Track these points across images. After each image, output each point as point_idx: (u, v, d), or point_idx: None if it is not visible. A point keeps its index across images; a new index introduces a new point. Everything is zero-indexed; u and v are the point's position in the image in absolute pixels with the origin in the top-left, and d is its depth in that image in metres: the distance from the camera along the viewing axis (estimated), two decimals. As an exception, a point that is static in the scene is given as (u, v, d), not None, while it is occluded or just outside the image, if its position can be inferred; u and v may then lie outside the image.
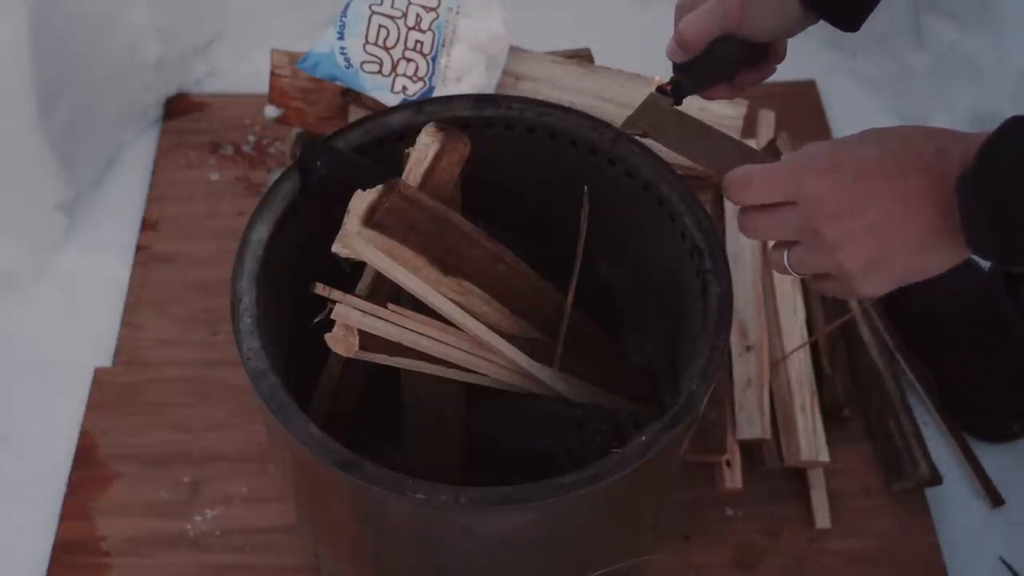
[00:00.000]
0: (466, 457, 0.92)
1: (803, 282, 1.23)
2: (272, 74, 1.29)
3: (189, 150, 1.46)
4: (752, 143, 1.33)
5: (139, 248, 1.36)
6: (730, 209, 1.27)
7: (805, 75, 1.57)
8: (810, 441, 1.13)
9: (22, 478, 1.16)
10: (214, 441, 1.19)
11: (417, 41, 1.13)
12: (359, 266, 0.86)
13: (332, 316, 0.79)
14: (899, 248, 0.62)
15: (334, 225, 0.80)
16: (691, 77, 0.80)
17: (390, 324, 0.81)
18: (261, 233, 0.85)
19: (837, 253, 0.63)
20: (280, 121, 1.44)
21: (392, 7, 1.13)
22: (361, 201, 0.80)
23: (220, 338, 1.27)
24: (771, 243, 0.70)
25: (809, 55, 1.56)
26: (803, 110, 1.53)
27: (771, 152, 1.35)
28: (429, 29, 1.13)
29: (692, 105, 1.13)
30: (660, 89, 0.80)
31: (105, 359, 1.26)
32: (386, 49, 1.13)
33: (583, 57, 1.30)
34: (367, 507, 0.79)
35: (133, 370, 1.25)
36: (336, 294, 0.79)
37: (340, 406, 0.93)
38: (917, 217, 0.60)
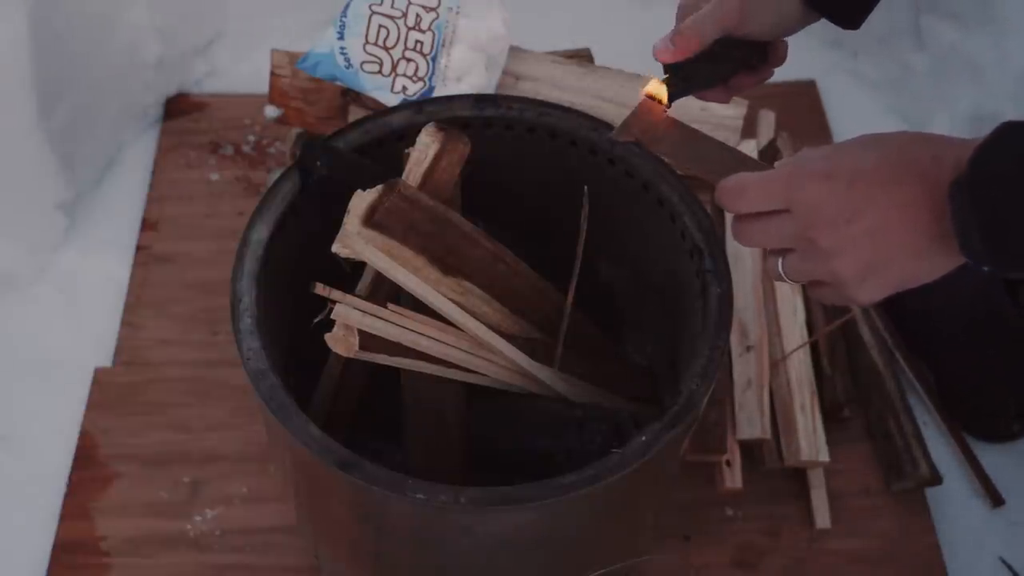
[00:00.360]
0: (466, 457, 0.92)
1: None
2: (272, 74, 1.29)
3: (189, 150, 1.46)
4: (752, 143, 1.33)
5: (139, 248, 1.36)
6: (730, 209, 1.27)
7: (805, 75, 1.57)
8: (810, 441, 1.13)
9: (22, 478, 1.16)
10: (214, 441, 1.19)
11: (417, 41, 1.13)
12: (359, 266, 0.86)
13: (332, 316, 0.79)
14: (895, 254, 0.61)
15: (334, 225, 0.80)
16: (685, 79, 0.79)
17: (390, 324, 0.81)
18: (261, 233, 0.85)
19: (832, 260, 0.63)
20: (280, 121, 1.44)
21: (392, 7, 1.13)
22: (361, 201, 0.80)
23: (220, 338, 1.27)
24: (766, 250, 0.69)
25: (809, 55, 1.56)
26: (803, 110, 1.53)
27: (771, 151, 1.35)
28: (429, 29, 1.13)
29: (692, 105, 1.14)
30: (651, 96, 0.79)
31: (105, 359, 1.26)
32: (386, 49, 1.13)
33: (583, 57, 1.30)
34: (367, 507, 0.79)
35: (133, 370, 1.25)
36: (336, 294, 0.79)
37: (340, 406, 0.92)
38: (912, 223, 0.60)
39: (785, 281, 0.68)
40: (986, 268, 0.58)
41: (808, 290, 0.68)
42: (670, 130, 0.73)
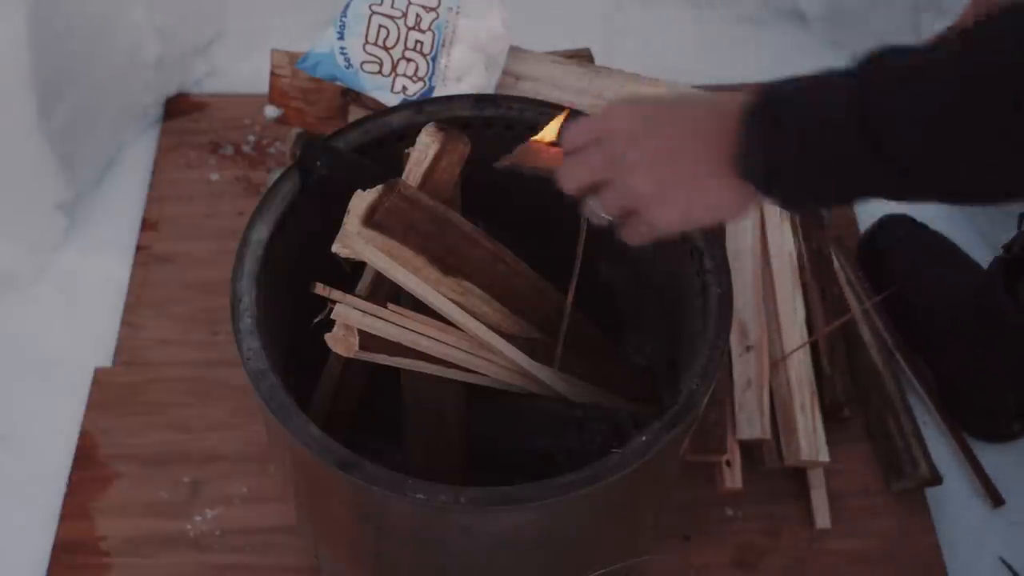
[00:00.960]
0: (466, 457, 0.92)
1: (802, 283, 1.23)
2: (272, 74, 1.29)
3: (189, 150, 1.46)
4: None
5: (139, 248, 1.36)
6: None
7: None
8: (810, 441, 1.13)
9: (22, 478, 1.16)
10: (214, 441, 1.19)
11: (417, 41, 1.13)
12: (359, 266, 0.86)
13: (332, 316, 0.79)
14: (688, 173, 0.66)
15: (334, 225, 0.80)
16: None
17: (390, 324, 0.81)
18: (261, 233, 0.86)
19: (634, 175, 0.67)
20: (280, 121, 1.44)
21: (392, 7, 1.13)
22: (361, 201, 0.80)
23: (220, 338, 1.27)
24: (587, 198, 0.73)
25: (809, 55, 1.56)
26: (803, 110, 1.52)
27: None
28: (429, 29, 1.13)
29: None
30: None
31: (105, 359, 1.26)
32: (386, 49, 1.13)
33: (583, 57, 1.30)
34: (367, 507, 0.79)
35: (133, 370, 1.25)
36: (336, 294, 0.79)
37: (340, 406, 0.93)
38: (705, 147, 0.65)
39: (602, 218, 0.72)
40: (769, 197, 0.64)
41: (620, 233, 0.72)
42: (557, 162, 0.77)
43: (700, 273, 0.86)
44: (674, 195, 0.67)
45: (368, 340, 0.79)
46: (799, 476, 1.17)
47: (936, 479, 1.15)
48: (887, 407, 1.20)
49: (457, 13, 1.13)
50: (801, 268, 1.24)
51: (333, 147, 0.90)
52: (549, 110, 0.95)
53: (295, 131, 1.21)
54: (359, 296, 0.81)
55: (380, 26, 1.13)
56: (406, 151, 0.89)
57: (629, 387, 0.99)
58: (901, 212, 1.35)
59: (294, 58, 1.27)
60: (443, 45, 1.13)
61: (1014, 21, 0.55)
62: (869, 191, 0.62)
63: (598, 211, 0.72)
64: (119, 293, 1.31)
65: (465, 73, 1.14)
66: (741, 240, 1.24)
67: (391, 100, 1.14)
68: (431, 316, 0.83)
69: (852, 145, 0.58)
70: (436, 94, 1.13)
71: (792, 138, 0.61)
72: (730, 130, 0.63)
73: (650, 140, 0.67)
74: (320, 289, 0.79)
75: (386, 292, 0.87)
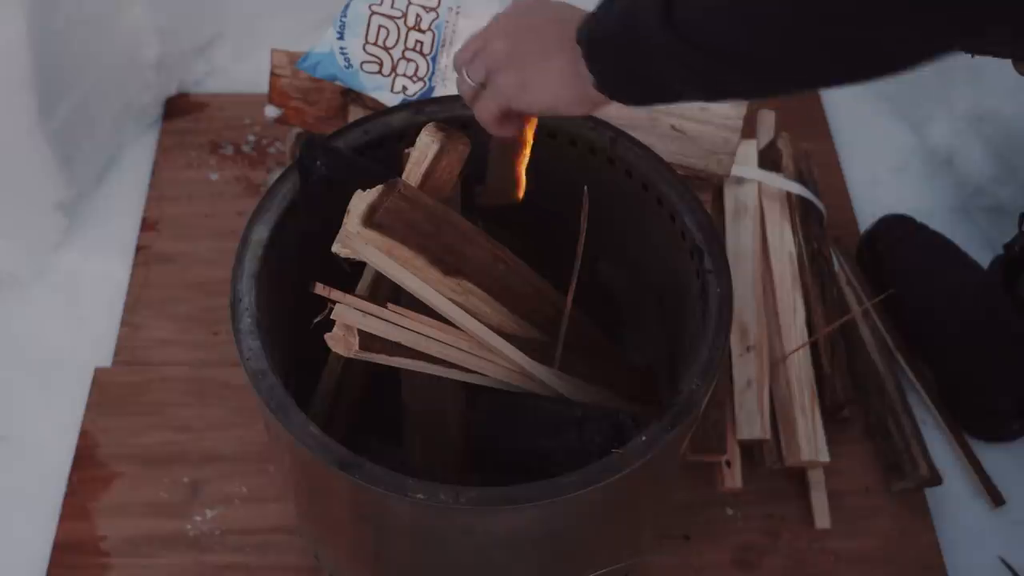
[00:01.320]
0: (466, 457, 0.92)
1: (802, 283, 1.23)
2: (272, 74, 1.29)
3: (189, 150, 1.46)
4: (752, 143, 1.33)
5: (139, 248, 1.36)
6: (730, 208, 1.27)
7: (805, 75, 1.57)
8: (810, 441, 1.13)
9: (22, 478, 1.16)
10: (214, 441, 1.19)
11: (417, 41, 1.13)
12: (359, 266, 0.86)
13: (332, 316, 0.79)
14: (537, 45, 0.73)
15: (334, 225, 0.80)
16: None
17: (390, 324, 0.81)
18: (261, 233, 0.86)
19: (494, 40, 0.75)
20: (280, 121, 1.43)
21: (392, 7, 1.13)
22: (361, 201, 0.80)
23: (220, 338, 1.27)
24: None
25: (809, 55, 1.56)
26: (803, 110, 1.52)
27: (771, 151, 1.35)
28: (429, 29, 1.13)
29: (693, 104, 1.14)
30: None
31: (105, 359, 1.26)
32: (386, 49, 1.13)
33: (583, 57, 1.30)
34: (367, 507, 0.79)
35: (133, 370, 1.25)
36: (336, 294, 0.79)
37: (340, 406, 0.92)
38: (560, 26, 0.71)
39: (468, 84, 0.78)
40: (596, 80, 0.69)
41: (474, 108, 0.79)
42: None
43: (700, 273, 0.86)
44: (519, 62, 0.74)
45: (368, 340, 0.79)
46: (799, 476, 1.17)
47: (936, 479, 1.15)
48: (887, 407, 1.20)
49: (457, 13, 1.13)
50: (801, 268, 1.24)
51: (333, 147, 0.90)
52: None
53: (295, 131, 1.22)
54: (359, 296, 0.81)
55: (380, 26, 1.13)
56: (406, 151, 0.89)
57: (629, 387, 0.99)
58: (901, 212, 1.35)
59: (294, 58, 1.27)
60: (443, 45, 1.13)
61: None
62: (681, 79, 0.64)
63: (467, 78, 0.78)
64: (119, 293, 1.31)
65: (465, 73, 1.14)
66: (741, 240, 1.24)
67: (391, 100, 1.14)
68: (431, 316, 0.83)
69: (654, 22, 0.61)
70: (436, 94, 1.13)
71: (610, 21, 0.67)
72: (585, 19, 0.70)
73: (521, 17, 0.76)
74: (320, 289, 0.79)
75: (386, 292, 0.87)
